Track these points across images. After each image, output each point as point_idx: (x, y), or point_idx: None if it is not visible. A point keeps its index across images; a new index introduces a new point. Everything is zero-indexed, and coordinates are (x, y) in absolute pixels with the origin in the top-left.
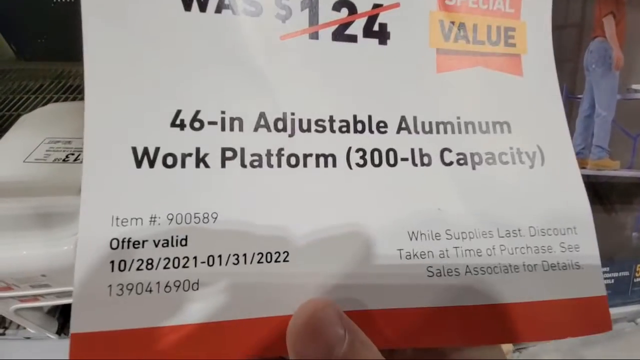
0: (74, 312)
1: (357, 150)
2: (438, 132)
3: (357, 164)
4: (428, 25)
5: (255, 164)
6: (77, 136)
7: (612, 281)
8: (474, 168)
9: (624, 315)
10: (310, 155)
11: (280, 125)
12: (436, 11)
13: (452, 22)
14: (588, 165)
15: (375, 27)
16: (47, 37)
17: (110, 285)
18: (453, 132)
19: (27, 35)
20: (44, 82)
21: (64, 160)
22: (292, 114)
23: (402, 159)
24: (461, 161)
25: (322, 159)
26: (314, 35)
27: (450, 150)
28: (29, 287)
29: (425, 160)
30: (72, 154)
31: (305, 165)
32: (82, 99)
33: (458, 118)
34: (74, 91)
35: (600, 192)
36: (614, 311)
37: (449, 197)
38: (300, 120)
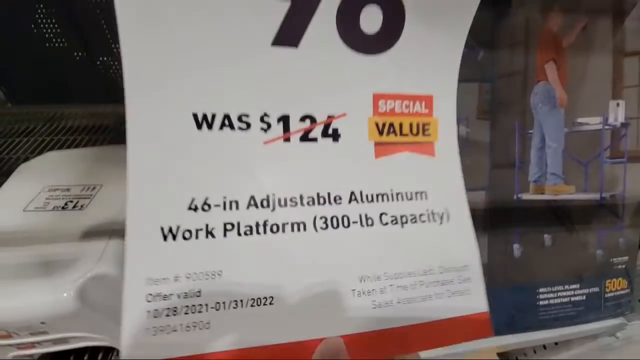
0: (124, 349)
1: (321, 218)
2: (377, 201)
3: (321, 228)
4: (367, 126)
5: (248, 232)
6: (76, 183)
7: (584, 297)
8: (402, 226)
9: (605, 329)
10: (287, 223)
11: (264, 203)
12: (372, 117)
13: (384, 123)
14: (546, 191)
15: (330, 131)
16: (37, 80)
17: (147, 329)
18: (388, 200)
19: (17, 78)
20: (36, 125)
21: (63, 207)
22: (273, 194)
23: (353, 222)
24: (394, 221)
25: (295, 226)
26: (287, 139)
27: (386, 214)
28: (28, 334)
29: (369, 222)
30: (71, 201)
31: (283, 231)
32: (75, 140)
33: (391, 190)
34: (66, 133)
35: (561, 215)
36: (591, 326)
37: (385, 248)
38: (279, 199)
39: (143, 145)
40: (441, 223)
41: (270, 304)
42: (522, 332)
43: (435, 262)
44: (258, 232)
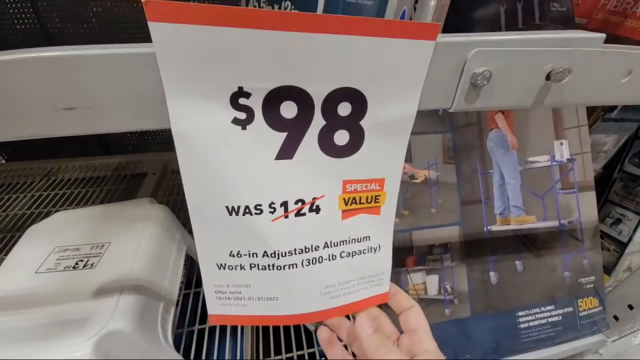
0: (208, 300)
1: (307, 259)
2: (340, 245)
3: (306, 265)
4: (338, 201)
5: (263, 269)
6: (85, 242)
7: (560, 318)
8: (352, 257)
9: (587, 347)
10: (286, 265)
11: (272, 255)
12: (341, 194)
13: (349, 198)
14: (511, 222)
15: (314, 207)
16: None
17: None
18: (346, 244)
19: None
20: (33, 180)
21: (74, 267)
22: (278, 250)
23: (325, 259)
24: (348, 255)
25: (291, 266)
26: (286, 217)
27: (344, 252)
28: None
29: (334, 258)
30: (81, 261)
31: (284, 269)
32: (72, 193)
33: (349, 238)
34: (63, 186)
35: (527, 243)
36: (574, 345)
37: (342, 270)
38: (282, 252)
39: (196, 220)
40: (375, 253)
41: (277, 300)
42: (509, 356)
43: (368, 272)
44: (270, 270)
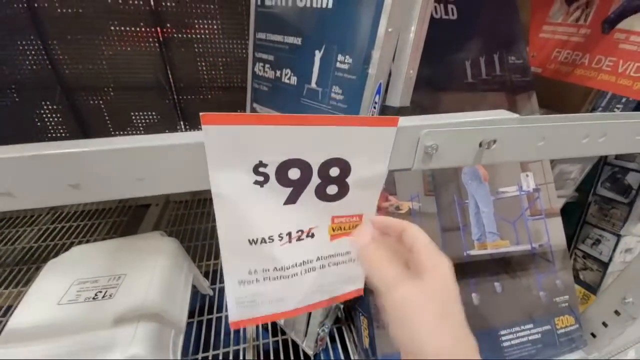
0: (230, 310)
1: (305, 270)
2: (328, 258)
3: (304, 274)
4: (327, 230)
5: (275, 280)
6: (102, 274)
7: (539, 336)
8: (337, 266)
9: None
10: (291, 275)
11: (281, 269)
12: (331, 225)
13: (336, 227)
14: (488, 247)
15: (310, 234)
16: None
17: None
18: (333, 257)
19: None
20: (40, 213)
21: (93, 298)
22: (284, 265)
23: (318, 269)
24: (334, 265)
25: (295, 275)
26: (290, 242)
27: (331, 263)
28: None
29: (323, 267)
30: (100, 292)
31: (290, 278)
32: (78, 226)
33: (335, 253)
34: (69, 219)
35: (504, 265)
36: None
37: (330, 275)
38: (288, 266)
39: (225, 250)
40: (353, 262)
41: (283, 300)
42: None
43: (348, 275)
44: (278, 279)
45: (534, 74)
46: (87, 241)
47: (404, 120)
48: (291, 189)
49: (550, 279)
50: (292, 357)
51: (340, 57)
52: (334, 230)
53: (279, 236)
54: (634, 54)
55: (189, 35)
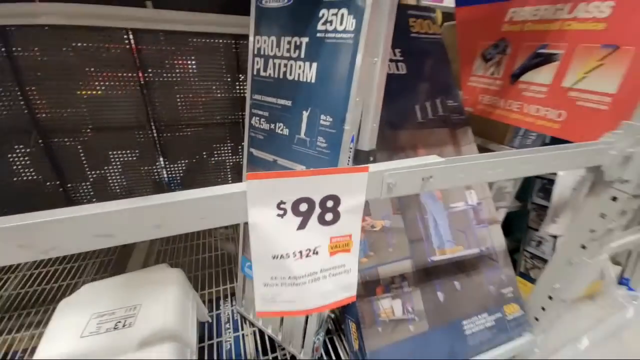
0: (257, 303)
1: (313, 279)
2: (329, 269)
3: (310, 282)
4: (327, 249)
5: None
6: (118, 307)
7: (494, 323)
8: (335, 276)
9: (524, 346)
10: (302, 283)
11: (295, 278)
12: (329, 244)
13: (334, 245)
14: (447, 253)
15: (315, 252)
16: (9, 209)
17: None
18: (333, 269)
19: None
20: None
21: (114, 328)
22: (296, 275)
23: (321, 278)
24: (333, 275)
25: (306, 281)
26: (301, 258)
27: (331, 274)
28: None
29: (325, 277)
30: (120, 322)
31: (303, 284)
32: (58, 269)
33: (333, 266)
34: (54, 263)
35: (460, 267)
36: (511, 346)
37: (330, 283)
38: (300, 276)
39: (256, 262)
40: (348, 274)
41: (294, 302)
42: (463, 358)
43: (343, 284)
44: (291, 286)
45: (467, 113)
46: (76, 283)
47: (372, 167)
48: (301, 218)
49: (496, 275)
50: None
51: (322, 117)
52: (332, 248)
53: (293, 253)
54: (534, 99)
55: (169, 77)
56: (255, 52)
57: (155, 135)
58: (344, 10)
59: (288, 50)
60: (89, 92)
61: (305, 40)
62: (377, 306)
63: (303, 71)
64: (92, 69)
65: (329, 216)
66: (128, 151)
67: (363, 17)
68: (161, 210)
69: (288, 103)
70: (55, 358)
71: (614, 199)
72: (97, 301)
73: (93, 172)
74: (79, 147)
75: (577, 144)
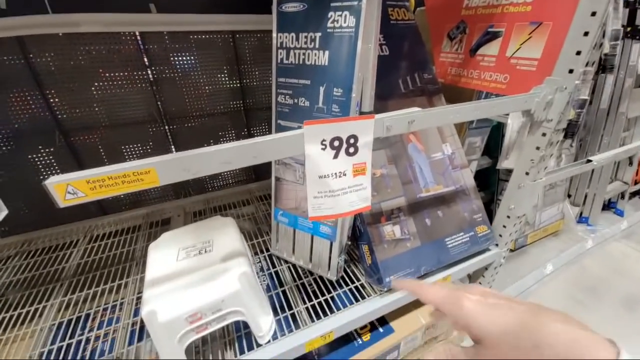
0: (309, 210)
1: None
2: (354, 187)
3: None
4: (351, 171)
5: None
6: (196, 242)
7: (469, 239)
8: (357, 192)
9: (492, 257)
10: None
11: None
12: (351, 169)
13: (355, 169)
14: (430, 191)
15: (344, 174)
16: (36, 207)
17: (312, 207)
18: (355, 186)
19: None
20: (78, 237)
21: (199, 253)
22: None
23: (349, 192)
24: (356, 190)
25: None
26: (334, 178)
27: (355, 189)
28: (211, 313)
29: (351, 191)
30: (202, 250)
31: (339, 177)
32: (112, 242)
33: (355, 184)
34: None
35: (442, 200)
36: (484, 256)
37: (354, 198)
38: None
39: (309, 182)
40: (365, 190)
41: (332, 208)
42: (447, 268)
43: (362, 196)
44: (330, 197)
45: (440, 83)
46: (134, 249)
47: (376, 116)
48: (335, 150)
49: (469, 205)
50: (321, 285)
51: (335, 89)
52: (354, 171)
53: (331, 174)
54: (487, 68)
55: (175, 73)
56: (279, 45)
57: (166, 127)
58: (346, 12)
59: (305, 43)
60: (103, 92)
61: (318, 34)
62: (383, 230)
63: (318, 57)
64: (105, 70)
65: (351, 149)
66: (143, 144)
67: (360, 16)
68: (257, 146)
69: (307, 82)
70: (163, 273)
71: (544, 134)
72: (178, 240)
73: None
74: (98, 144)
75: (514, 95)
